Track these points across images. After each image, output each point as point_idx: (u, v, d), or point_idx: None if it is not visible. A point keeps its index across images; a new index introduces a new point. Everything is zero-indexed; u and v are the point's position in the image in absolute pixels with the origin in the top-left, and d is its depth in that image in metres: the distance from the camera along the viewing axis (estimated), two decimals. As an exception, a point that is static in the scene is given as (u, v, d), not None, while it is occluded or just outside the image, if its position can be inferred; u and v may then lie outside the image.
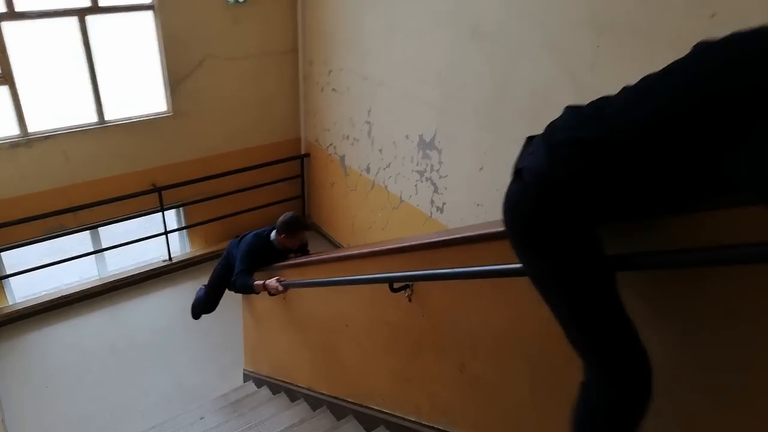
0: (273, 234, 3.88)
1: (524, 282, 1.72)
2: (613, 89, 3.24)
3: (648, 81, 1.16)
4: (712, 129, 0.97)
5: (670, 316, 1.34)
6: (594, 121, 1.20)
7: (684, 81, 1.05)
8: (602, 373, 1.27)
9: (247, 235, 4.09)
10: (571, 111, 1.29)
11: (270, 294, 3.64)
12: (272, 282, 3.53)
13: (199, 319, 4.93)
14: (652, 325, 1.33)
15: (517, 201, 1.29)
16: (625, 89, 1.21)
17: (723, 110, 0.95)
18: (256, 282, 3.68)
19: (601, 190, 1.17)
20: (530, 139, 1.38)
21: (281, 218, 3.82)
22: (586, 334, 1.28)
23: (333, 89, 6.00)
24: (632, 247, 1.28)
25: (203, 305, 4.71)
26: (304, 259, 3.66)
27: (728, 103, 0.95)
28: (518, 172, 1.29)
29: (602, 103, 1.23)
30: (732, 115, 0.94)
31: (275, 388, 4.30)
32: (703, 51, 1.06)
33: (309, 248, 4.31)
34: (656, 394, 1.23)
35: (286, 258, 3.95)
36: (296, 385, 3.98)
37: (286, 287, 3.50)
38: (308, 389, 3.78)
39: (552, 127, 1.31)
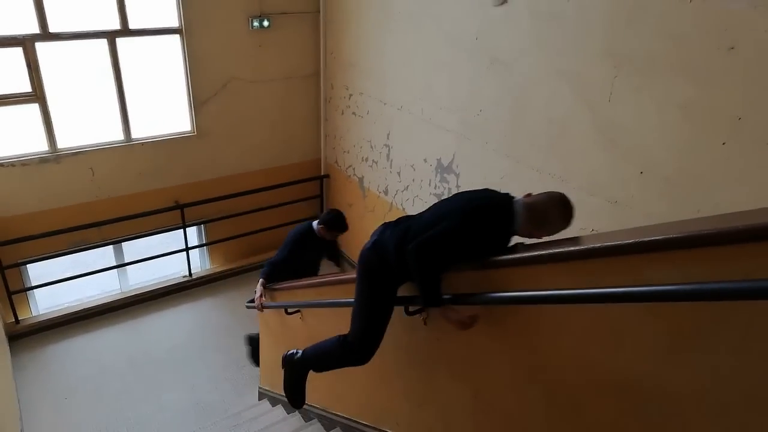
0: (315, 223, 4.25)
1: (540, 310, 1.75)
2: (630, 119, 3.29)
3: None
4: None
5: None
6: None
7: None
8: (355, 343, 2.53)
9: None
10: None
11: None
12: (257, 295, 4.14)
13: (218, 335, 4.98)
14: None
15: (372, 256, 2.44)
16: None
17: None
18: (258, 286, 4.19)
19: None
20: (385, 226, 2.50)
21: (327, 212, 4.28)
22: (367, 326, 2.50)
23: (353, 113, 6.10)
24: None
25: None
26: (317, 280, 3.72)
27: None
28: (375, 242, 2.45)
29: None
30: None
31: (290, 407, 4.32)
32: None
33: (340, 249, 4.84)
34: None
35: (322, 251, 4.49)
36: (311, 405, 3.99)
37: (263, 307, 4.19)
38: (323, 410, 3.80)
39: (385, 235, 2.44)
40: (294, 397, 2.93)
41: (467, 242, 2.05)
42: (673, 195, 3.04)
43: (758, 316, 1.22)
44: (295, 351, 2.90)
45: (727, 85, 2.72)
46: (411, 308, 2.42)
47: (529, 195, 2.07)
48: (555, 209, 1.94)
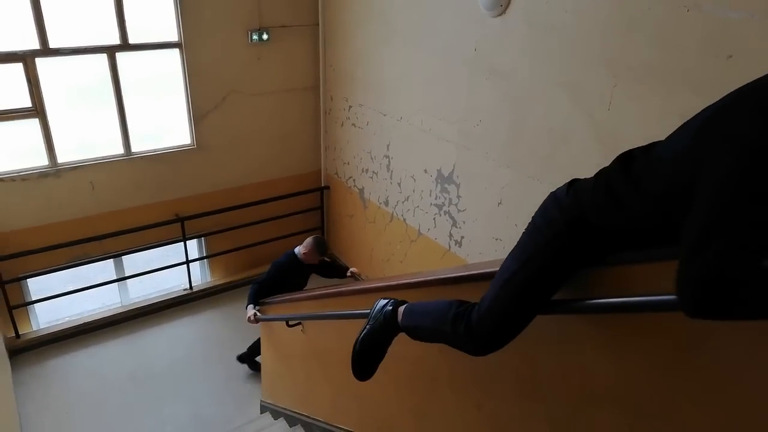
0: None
1: (544, 320, 1.74)
2: (630, 128, 3.29)
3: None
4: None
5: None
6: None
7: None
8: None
9: None
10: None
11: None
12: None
13: (219, 348, 5.00)
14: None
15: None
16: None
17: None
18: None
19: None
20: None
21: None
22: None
23: (353, 124, 6.11)
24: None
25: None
26: (318, 292, 3.70)
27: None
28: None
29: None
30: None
31: (292, 420, 4.29)
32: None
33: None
34: None
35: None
36: (313, 418, 3.97)
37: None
38: (325, 422, 3.77)
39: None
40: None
41: None
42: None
43: None
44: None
45: (726, 93, 2.72)
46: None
47: None
48: None
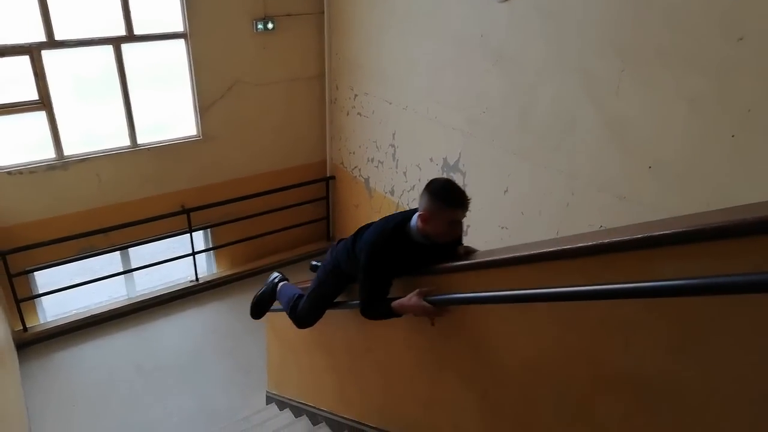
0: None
1: (550, 308, 1.71)
2: (638, 113, 3.24)
3: None
4: None
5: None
6: None
7: None
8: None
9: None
10: None
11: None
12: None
13: (226, 340, 4.96)
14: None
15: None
16: None
17: None
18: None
19: None
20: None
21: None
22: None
23: (358, 113, 6.08)
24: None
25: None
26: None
27: None
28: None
29: None
30: None
31: (297, 411, 4.29)
32: None
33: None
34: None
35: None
36: (319, 409, 3.97)
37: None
38: (330, 413, 3.76)
39: None
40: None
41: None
42: (682, 189, 2.98)
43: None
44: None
45: (737, 76, 2.67)
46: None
47: None
48: None
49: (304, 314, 3.22)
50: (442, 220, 2.23)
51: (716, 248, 1.23)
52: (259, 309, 3.73)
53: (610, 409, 1.59)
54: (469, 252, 2.37)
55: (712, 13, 2.72)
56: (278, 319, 4.41)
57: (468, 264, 2.19)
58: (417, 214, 2.33)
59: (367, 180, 6.24)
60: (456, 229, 2.31)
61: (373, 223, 2.62)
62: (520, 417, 2.03)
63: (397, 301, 2.34)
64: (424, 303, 2.22)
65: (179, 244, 6.46)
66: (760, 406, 1.22)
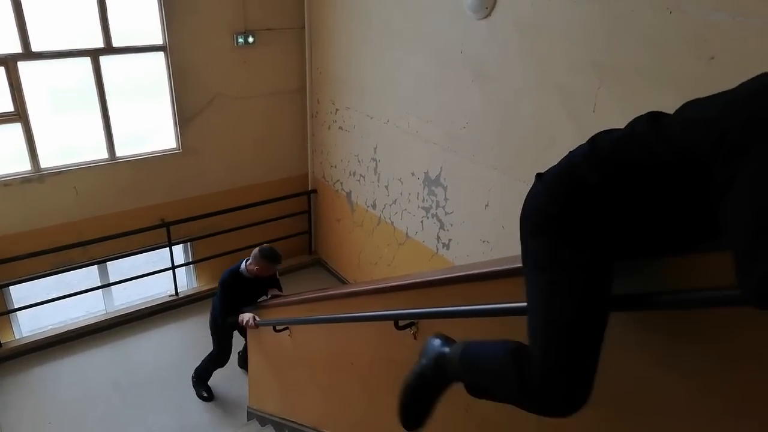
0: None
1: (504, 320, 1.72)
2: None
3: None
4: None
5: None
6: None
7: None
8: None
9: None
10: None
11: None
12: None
13: (206, 355, 4.95)
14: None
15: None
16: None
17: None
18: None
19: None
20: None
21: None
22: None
23: (340, 127, 6.10)
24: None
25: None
26: (308, 295, 3.67)
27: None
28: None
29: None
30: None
31: (279, 426, 4.25)
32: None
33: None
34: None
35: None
36: (301, 424, 3.94)
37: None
38: (313, 428, 3.74)
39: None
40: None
41: None
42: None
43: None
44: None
45: (709, 94, 2.74)
46: (401, 322, 2.39)
47: None
48: None
49: None
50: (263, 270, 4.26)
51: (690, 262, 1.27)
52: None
53: (592, 424, 1.62)
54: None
55: (685, 33, 2.81)
56: (260, 333, 4.38)
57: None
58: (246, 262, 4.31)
59: (349, 194, 6.25)
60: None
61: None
62: (502, 430, 2.04)
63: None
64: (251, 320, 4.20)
65: (159, 257, 6.38)
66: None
